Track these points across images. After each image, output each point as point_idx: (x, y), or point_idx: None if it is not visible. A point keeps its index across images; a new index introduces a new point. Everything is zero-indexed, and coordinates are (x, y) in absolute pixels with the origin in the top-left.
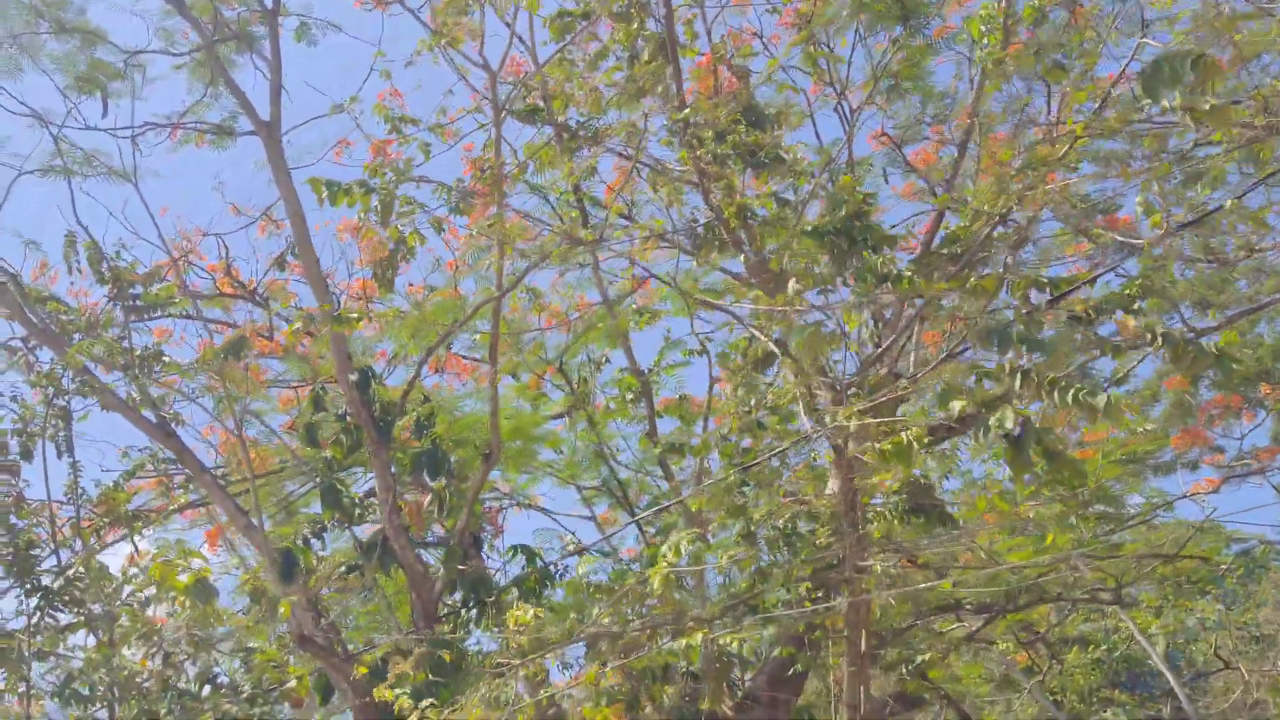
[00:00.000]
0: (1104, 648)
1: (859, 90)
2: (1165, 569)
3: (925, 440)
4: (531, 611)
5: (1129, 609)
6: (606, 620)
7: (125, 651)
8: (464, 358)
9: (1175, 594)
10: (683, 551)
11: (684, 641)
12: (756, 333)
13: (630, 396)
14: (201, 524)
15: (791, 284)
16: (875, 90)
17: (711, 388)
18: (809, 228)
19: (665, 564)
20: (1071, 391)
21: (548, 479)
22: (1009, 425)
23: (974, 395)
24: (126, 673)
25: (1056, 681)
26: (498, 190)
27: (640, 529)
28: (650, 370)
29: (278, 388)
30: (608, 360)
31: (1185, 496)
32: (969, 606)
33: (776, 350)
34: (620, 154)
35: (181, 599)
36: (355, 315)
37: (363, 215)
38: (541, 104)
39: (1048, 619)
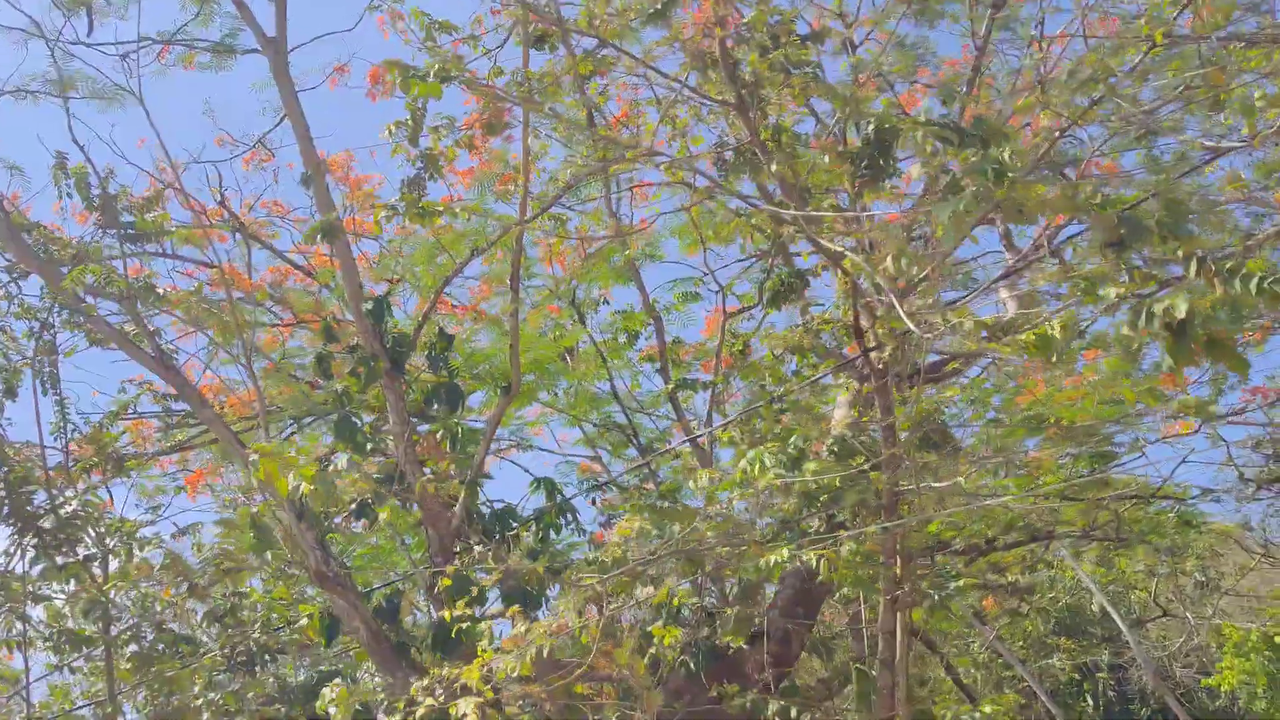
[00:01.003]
0: (1049, 596)
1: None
2: (1106, 515)
3: (1071, 333)
4: (638, 523)
5: (1126, 547)
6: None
7: (144, 585)
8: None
9: (1117, 541)
10: (769, 464)
11: (770, 558)
12: (820, 242)
13: (624, 340)
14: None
15: (916, 169)
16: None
17: (724, 324)
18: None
19: (769, 476)
20: (1256, 280)
21: (555, 418)
22: (1181, 312)
23: (1130, 283)
24: (140, 604)
25: (1005, 629)
26: (531, 105)
27: (650, 468)
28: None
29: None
30: (606, 301)
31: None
32: (957, 546)
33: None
34: (642, 78)
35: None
36: (439, 207)
37: (392, 130)
38: (554, 27)
39: (1025, 560)
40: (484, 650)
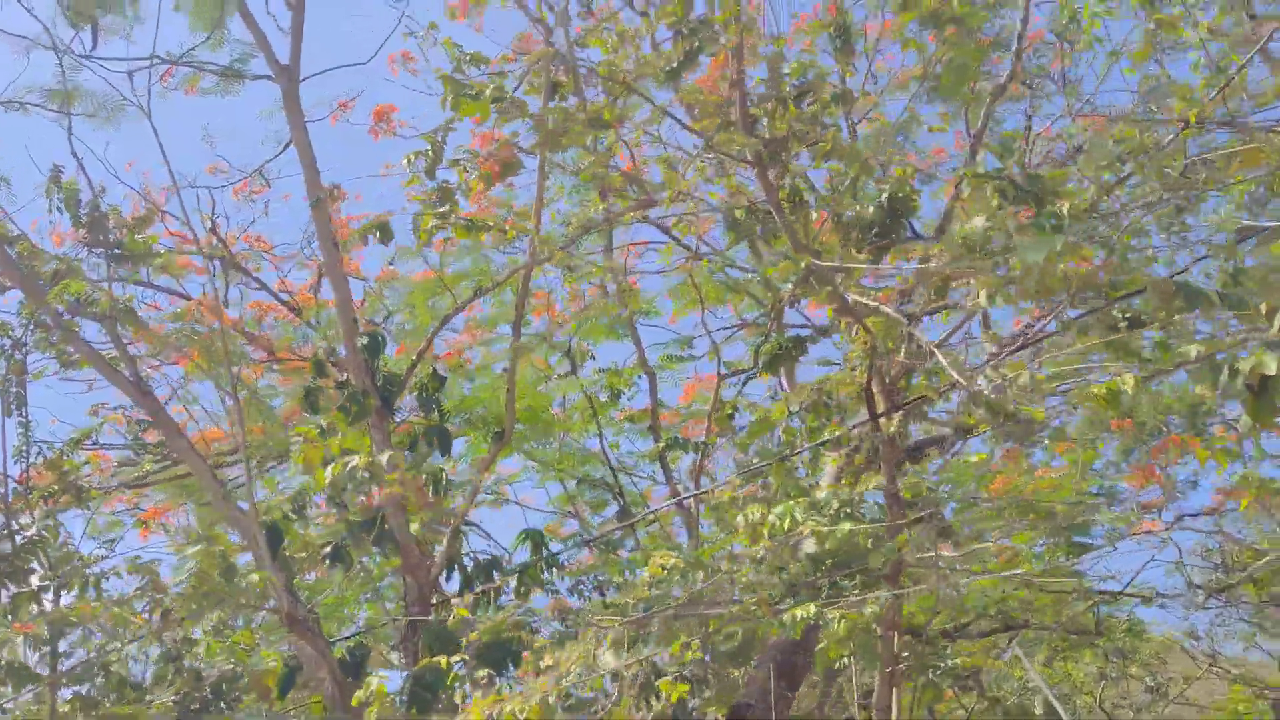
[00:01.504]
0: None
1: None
2: (1051, 617)
3: (1143, 385)
4: (672, 561)
5: (1089, 645)
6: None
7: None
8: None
9: (1064, 644)
10: (798, 519)
11: (796, 612)
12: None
13: (606, 398)
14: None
15: (979, 220)
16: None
17: (719, 386)
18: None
19: (812, 524)
20: None
21: (526, 479)
22: (1272, 368)
23: (1212, 342)
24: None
25: None
26: (552, 145)
27: (632, 529)
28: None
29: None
30: (593, 357)
31: (1135, 535)
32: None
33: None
34: (652, 134)
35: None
36: (489, 222)
37: (410, 160)
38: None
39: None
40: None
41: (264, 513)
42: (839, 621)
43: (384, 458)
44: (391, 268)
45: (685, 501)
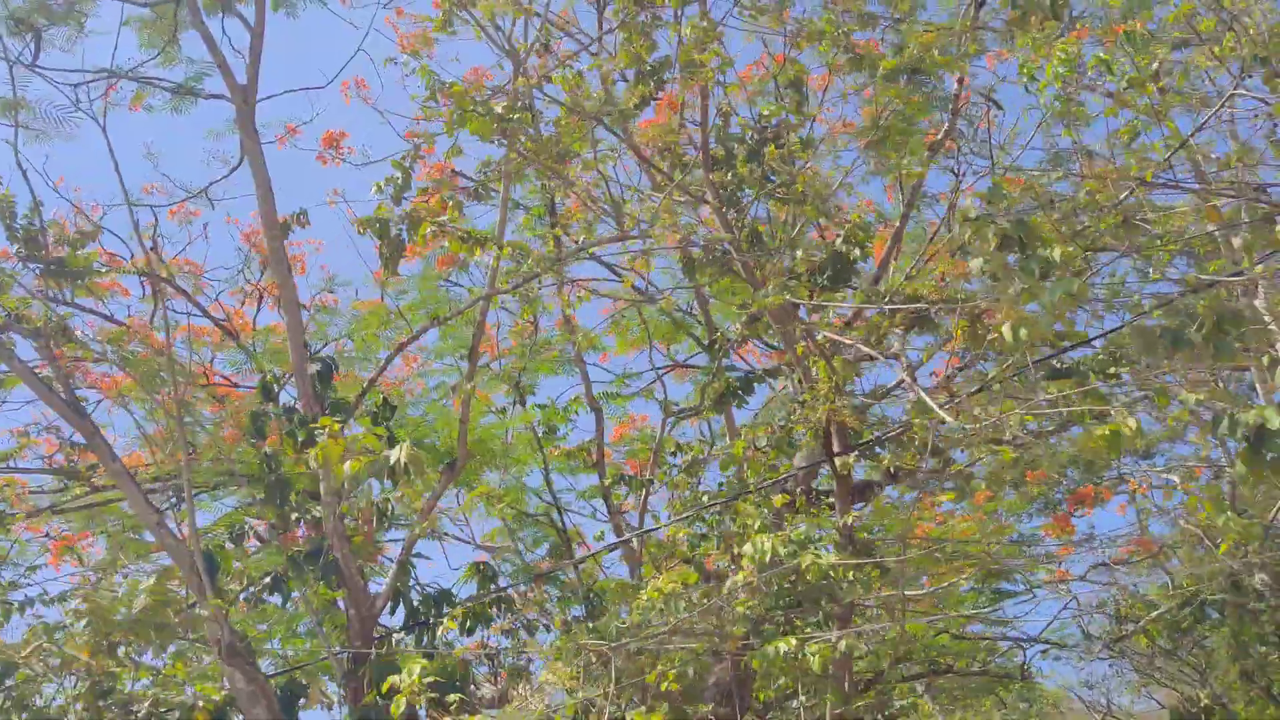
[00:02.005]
0: None
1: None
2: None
3: (1138, 431)
4: (681, 577)
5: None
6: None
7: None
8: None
9: (963, 693)
10: (777, 551)
11: (778, 645)
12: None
13: (543, 433)
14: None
15: (977, 263)
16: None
17: (664, 425)
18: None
19: (809, 557)
20: None
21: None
22: (1275, 423)
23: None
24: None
25: None
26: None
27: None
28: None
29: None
30: (531, 392)
31: (1049, 583)
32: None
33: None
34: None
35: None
36: (487, 235)
37: (381, 187)
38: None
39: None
40: None
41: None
42: (815, 657)
43: (402, 451)
44: (331, 295)
45: (630, 538)
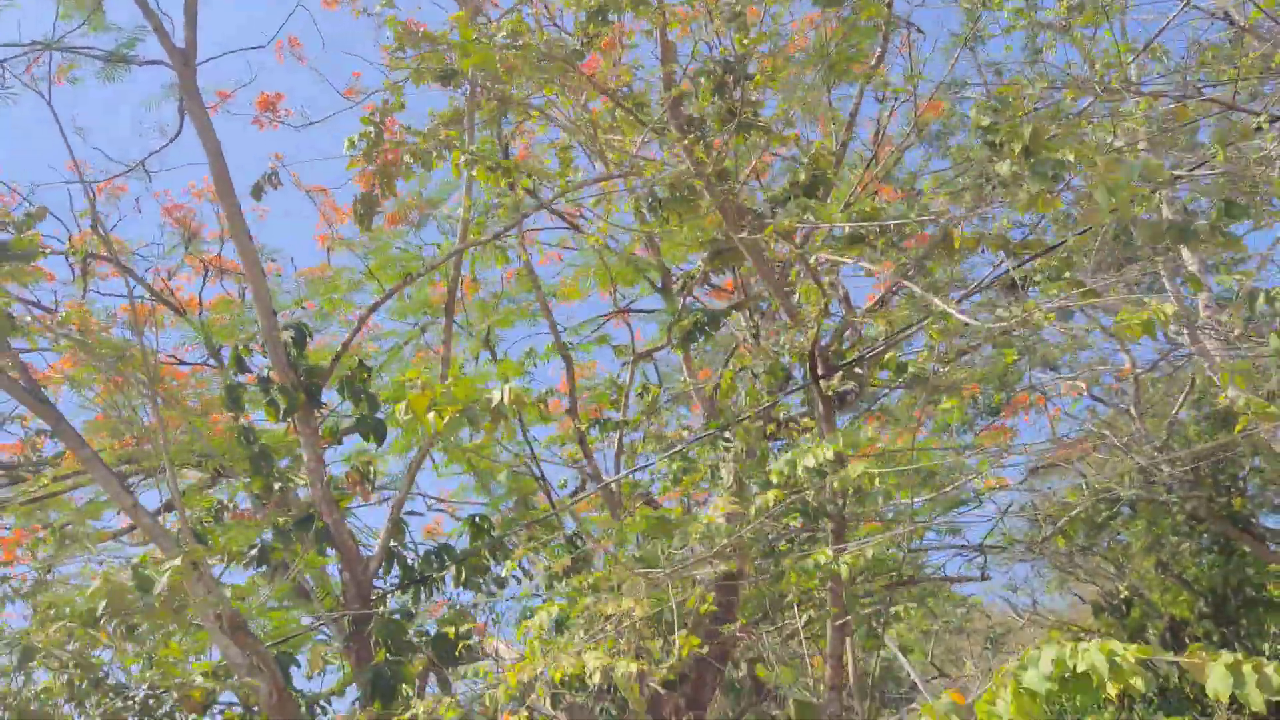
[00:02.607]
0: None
1: None
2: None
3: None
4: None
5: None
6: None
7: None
8: None
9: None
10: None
11: (817, 557)
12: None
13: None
14: None
15: None
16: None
17: (634, 370)
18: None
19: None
20: None
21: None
22: None
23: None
24: None
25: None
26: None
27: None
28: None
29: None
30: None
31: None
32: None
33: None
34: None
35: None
36: (514, 164)
37: (354, 142)
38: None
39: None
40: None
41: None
42: (845, 566)
43: (504, 391)
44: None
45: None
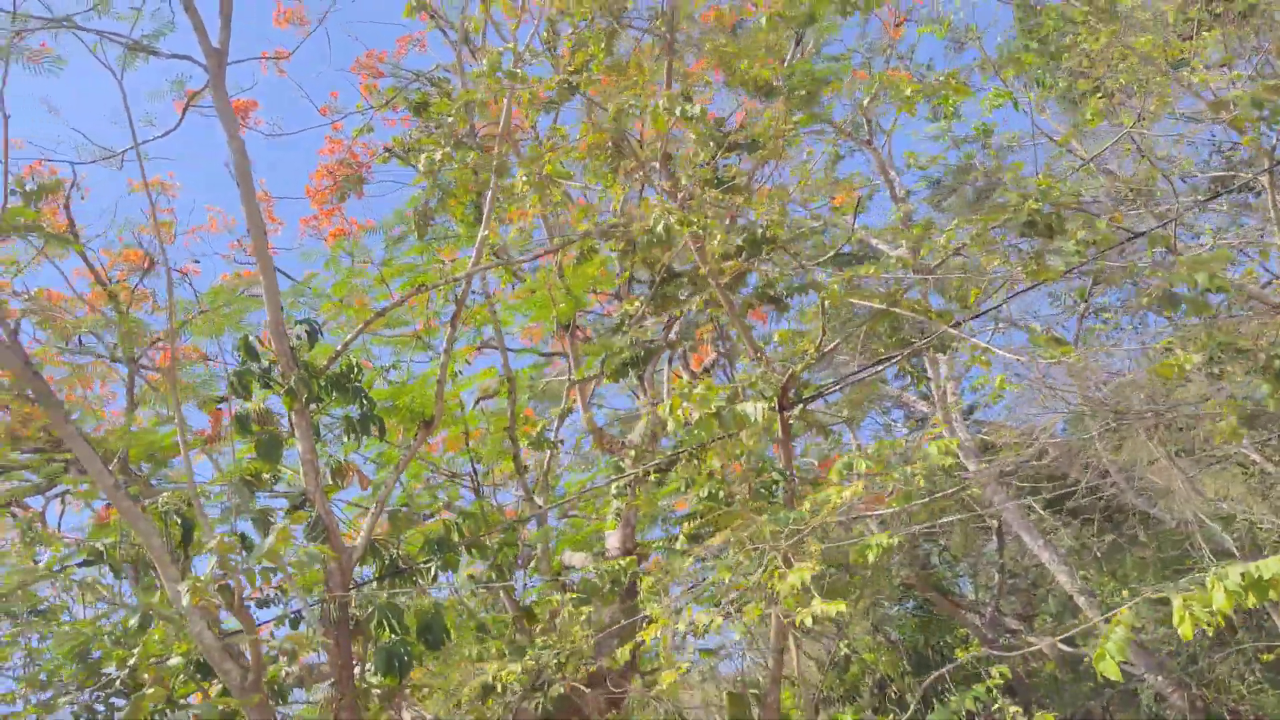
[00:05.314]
0: None
1: None
2: None
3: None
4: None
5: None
6: None
7: None
8: None
9: None
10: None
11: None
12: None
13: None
14: None
15: None
16: None
17: (578, 389)
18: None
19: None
20: None
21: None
22: None
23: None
24: None
25: None
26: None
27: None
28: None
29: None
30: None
31: None
32: None
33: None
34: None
35: None
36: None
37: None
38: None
39: None
40: None
41: (164, 505)
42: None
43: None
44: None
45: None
